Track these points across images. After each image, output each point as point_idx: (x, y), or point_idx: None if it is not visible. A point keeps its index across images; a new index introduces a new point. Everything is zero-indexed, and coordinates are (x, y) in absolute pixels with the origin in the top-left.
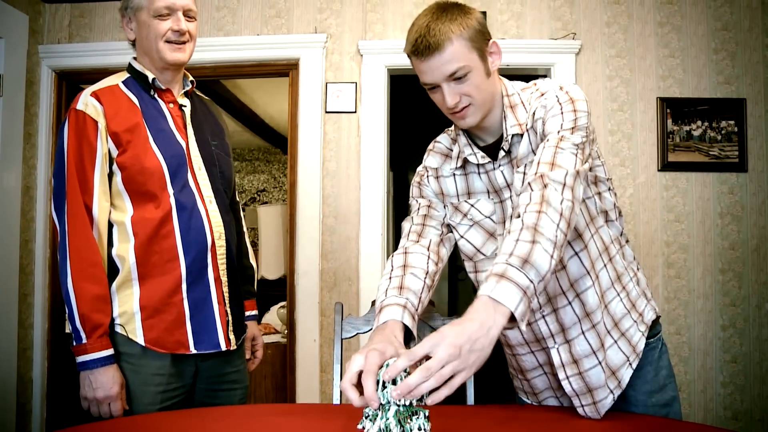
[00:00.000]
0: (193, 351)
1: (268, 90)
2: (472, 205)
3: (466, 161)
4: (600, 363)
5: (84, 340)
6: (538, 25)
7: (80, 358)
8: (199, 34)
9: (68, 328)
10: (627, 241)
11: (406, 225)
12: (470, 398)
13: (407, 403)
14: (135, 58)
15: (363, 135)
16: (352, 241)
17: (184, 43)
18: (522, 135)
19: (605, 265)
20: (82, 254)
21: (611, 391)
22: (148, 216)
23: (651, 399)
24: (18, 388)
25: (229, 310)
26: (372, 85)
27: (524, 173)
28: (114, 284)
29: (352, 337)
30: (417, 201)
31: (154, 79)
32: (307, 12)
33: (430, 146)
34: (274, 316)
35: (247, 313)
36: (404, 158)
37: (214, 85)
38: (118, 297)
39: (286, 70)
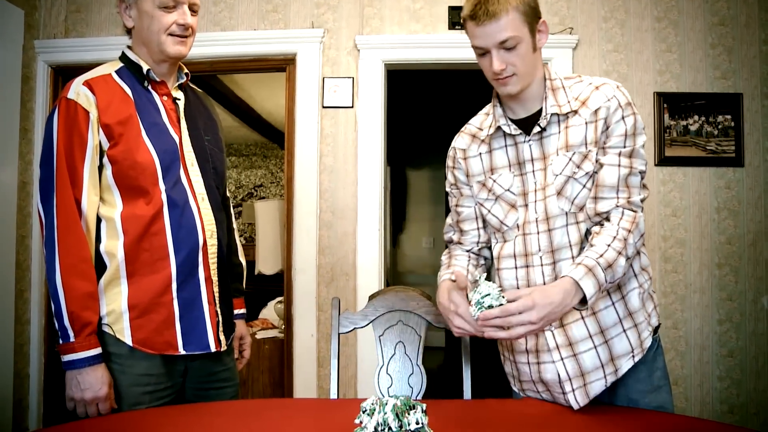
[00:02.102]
0: (183, 352)
1: (265, 85)
2: (494, 181)
3: (496, 133)
4: (595, 347)
5: (72, 339)
6: None
7: (67, 357)
8: (198, 28)
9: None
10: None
11: (449, 219)
12: (467, 393)
13: (405, 400)
14: (129, 47)
15: (360, 130)
16: (349, 237)
17: (186, 36)
18: (559, 116)
19: (638, 253)
20: (71, 249)
21: (605, 376)
22: (139, 212)
23: (644, 399)
24: (15, 383)
25: (219, 310)
26: (369, 80)
27: (575, 163)
28: (101, 281)
29: (350, 332)
30: (453, 196)
31: (149, 70)
32: (304, 7)
33: (463, 128)
34: (271, 311)
35: (236, 312)
36: (401, 153)
37: (211, 80)
38: (105, 295)
39: (283, 65)
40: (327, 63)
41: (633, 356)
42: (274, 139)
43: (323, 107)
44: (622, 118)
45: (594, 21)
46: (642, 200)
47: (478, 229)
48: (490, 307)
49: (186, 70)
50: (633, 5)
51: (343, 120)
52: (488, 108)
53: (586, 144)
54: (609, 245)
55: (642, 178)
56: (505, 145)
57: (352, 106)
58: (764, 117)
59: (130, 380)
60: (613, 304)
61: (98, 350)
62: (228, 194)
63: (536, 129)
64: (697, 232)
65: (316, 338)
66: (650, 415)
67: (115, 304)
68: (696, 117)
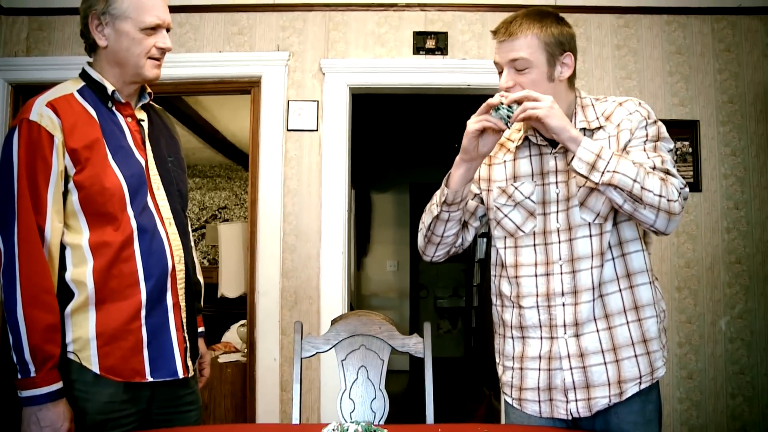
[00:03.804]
0: (150, 379)
1: (230, 107)
2: (516, 188)
3: (522, 143)
4: (605, 363)
5: (32, 373)
6: None
7: (26, 393)
8: None
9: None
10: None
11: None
12: (429, 417)
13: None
14: (90, 64)
15: (324, 153)
16: (313, 260)
17: (160, 60)
18: (586, 131)
19: (653, 281)
20: (33, 280)
21: (609, 396)
22: (108, 239)
23: (635, 431)
24: None
25: (186, 336)
26: (334, 103)
27: None
28: (68, 309)
29: (312, 356)
30: None
31: (114, 91)
32: (270, 30)
33: None
34: (234, 334)
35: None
36: (366, 176)
37: (175, 101)
38: (72, 322)
39: (248, 87)
40: (292, 86)
41: (640, 383)
42: (238, 160)
43: (288, 130)
44: (645, 126)
45: None
46: (681, 187)
47: (470, 219)
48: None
49: (149, 90)
50: (594, 33)
51: (307, 143)
52: (520, 124)
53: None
54: (624, 159)
55: (673, 166)
56: (530, 155)
57: (317, 129)
58: (720, 143)
59: (94, 408)
60: (627, 323)
61: (59, 385)
62: (188, 214)
63: None
64: (657, 255)
65: (279, 362)
66: None
67: (82, 331)
68: None
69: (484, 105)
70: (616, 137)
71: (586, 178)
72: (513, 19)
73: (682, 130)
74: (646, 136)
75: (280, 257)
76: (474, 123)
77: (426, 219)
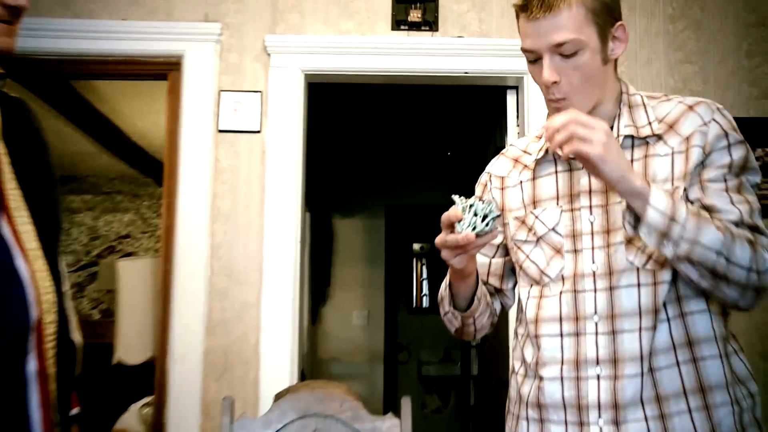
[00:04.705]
0: None
1: (137, 97)
2: (536, 217)
3: (544, 158)
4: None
5: None
6: (509, 20)
7: None
8: (38, 10)
9: None
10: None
11: None
12: None
13: None
14: None
15: (270, 164)
16: (250, 309)
17: (13, 23)
18: (635, 139)
19: (730, 353)
20: None
21: (646, 420)
22: None
23: None
24: None
25: (57, 416)
26: (283, 95)
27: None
28: None
29: None
30: None
31: None
32: None
33: (504, 149)
34: (134, 417)
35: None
36: (327, 196)
37: (58, 86)
38: None
39: (163, 70)
40: (226, 71)
41: None
42: (148, 171)
43: (219, 131)
44: (728, 148)
45: None
46: None
47: (489, 284)
48: (485, 217)
49: (1, 70)
50: (639, 1)
51: (246, 149)
52: (542, 129)
53: (672, 179)
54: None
55: (759, 214)
56: (555, 171)
57: (260, 131)
58: None
59: None
60: (690, 411)
61: None
62: (70, 244)
63: None
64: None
65: None
66: None
67: None
68: None
69: (443, 218)
70: (684, 155)
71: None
72: None
73: (764, 132)
74: (730, 164)
75: (205, 305)
76: (443, 251)
77: (446, 319)
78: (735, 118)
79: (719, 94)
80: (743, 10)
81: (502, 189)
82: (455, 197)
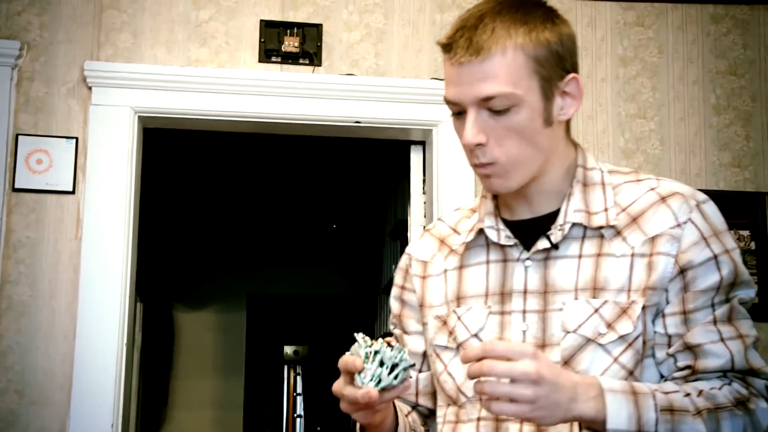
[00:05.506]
0: None
1: None
2: (459, 317)
3: (475, 241)
4: None
5: None
6: (413, 54)
7: None
8: None
9: None
10: None
11: None
12: None
13: None
14: None
15: (87, 236)
16: None
17: None
18: (587, 230)
19: None
20: None
21: None
22: None
23: None
24: None
25: None
26: (109, 143)
27: (604, 319)
28: None
29: None
30: (395, 336)
31: None
32: None
33: (431, 225)
34: None
35: None
36: (167, 281)
37: None
38: None
39: None
40: (26, 107)
41: None
42: None
43: (14, 190)
44: (713, 261)
45: None
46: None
47: (421, 406)
48: (394, 367)
49: None
50: (584, 33)
51: (53, 216)
52: (478, 200)
53: (629, 290)
54: (688, 394)
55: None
56: (487, 261)
57: (74, 192)
58: None
59: None
60: None
61: None
62: None
63: (543, 243)
64: None
65: None
66: None
67: None
68: None
69: (341, 364)
70: (647, 261)
71: None
72: (476, 22)
73: (739, 210)
74: (717, 286)
75: None
76: (341, 403)
77: None
78: (706, 192)
79: (680, 159)
80: (710, 54)
81: (424, 278)
82: (357, 336)
